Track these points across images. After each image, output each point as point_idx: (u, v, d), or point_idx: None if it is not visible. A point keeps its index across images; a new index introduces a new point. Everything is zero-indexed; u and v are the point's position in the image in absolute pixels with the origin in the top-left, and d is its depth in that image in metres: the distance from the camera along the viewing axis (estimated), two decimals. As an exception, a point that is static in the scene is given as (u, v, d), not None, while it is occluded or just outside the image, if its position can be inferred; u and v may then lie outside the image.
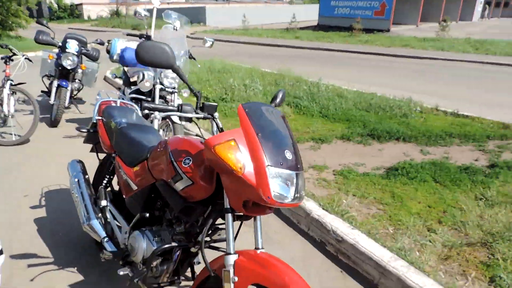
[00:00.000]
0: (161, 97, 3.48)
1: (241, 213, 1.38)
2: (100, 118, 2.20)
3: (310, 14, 31.72)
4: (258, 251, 1.38)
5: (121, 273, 1.73)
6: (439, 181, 3.27)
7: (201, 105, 1.46)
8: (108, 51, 4.31)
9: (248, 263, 1.30)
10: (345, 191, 3.02)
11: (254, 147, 1.25)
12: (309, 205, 2.65)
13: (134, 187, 1.79)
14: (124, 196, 1.90)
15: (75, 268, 2.21)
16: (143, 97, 3.51)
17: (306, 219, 2.61)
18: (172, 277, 1.68)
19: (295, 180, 1.26)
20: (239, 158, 1.24)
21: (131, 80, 3.97)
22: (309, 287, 1.22)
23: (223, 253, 1.39)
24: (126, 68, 4.17)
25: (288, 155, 1.28)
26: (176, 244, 1.57)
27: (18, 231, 2.54)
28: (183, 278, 1.74)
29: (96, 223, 1.98)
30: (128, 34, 4.16)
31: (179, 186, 1.48)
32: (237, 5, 36.23)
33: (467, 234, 2.45)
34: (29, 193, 3.08)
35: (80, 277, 2.13)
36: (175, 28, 3.45)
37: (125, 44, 4.31)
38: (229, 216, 1.35)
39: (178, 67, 1.40)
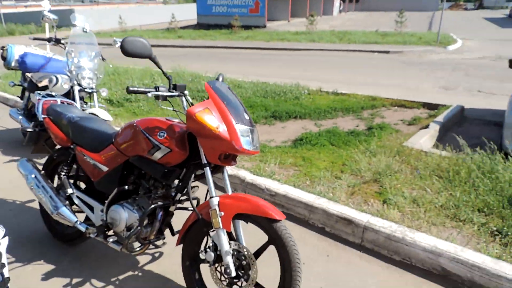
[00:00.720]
0: (80, 97, 3.54)
1: (213, 165, 1.77)
2: (45, 116, 2.31)
3: (186, 13, 32.00)
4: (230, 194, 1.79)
5: (111, 240, 1.96)
6: (334, 144, 4.06)
7: (173, 86, 1.80)
8: (4, 58, 4.09)
9: (229, 200, 1.71)
10: (265, 161, 3.56)
11: (223, 112, 1.66)
12: (242, 173, 3.13)
13: (105, 169, 2.01)
14: (93, 180, 2.10)
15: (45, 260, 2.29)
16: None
17: (242, 185, 3.08)
18: (156, 236, 1.98)
19: (253, 134, 1.71)
20: (214, 121, 1.64)
21: (40, 85, 3.87)
22: (278, 210, 1.68)
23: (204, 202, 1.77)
24: (29, 74, 4.03)
25: (245, 116, 1.72)
26: (161, 204, 1.88)
27: None
28: (163, 237, 2.04)
29: (65, 210, 2.13)
30: (35, 38, 4.01)
31: (157, 155, 1.79)
32: (107, 6, 34.47)
33: (362, 176, 3.21)
34: None
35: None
36: (84, 30, 3.53)
37: (23, 49, 4.15)
38: (207, 169, 1.74)
39: (154, 56, 1.72)
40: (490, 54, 12.41)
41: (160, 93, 1.72)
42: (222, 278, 1.78)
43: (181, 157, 1.78)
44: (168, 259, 2.30)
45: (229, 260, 1.69)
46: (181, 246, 1.90)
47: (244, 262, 1.71)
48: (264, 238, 1.70)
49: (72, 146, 2.20)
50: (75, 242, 2.43)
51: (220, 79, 1.96)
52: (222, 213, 1.68)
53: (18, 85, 4.38)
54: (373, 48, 13.65)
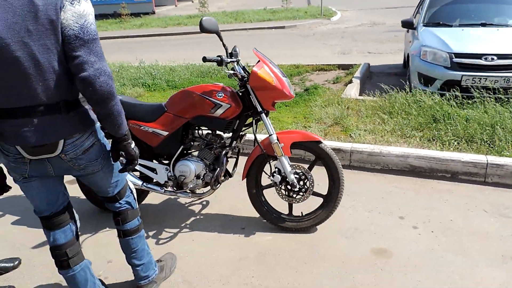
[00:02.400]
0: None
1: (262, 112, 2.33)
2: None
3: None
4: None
5: (180, 193, 2.41)
6: (287, 105, 4.82)
7: (230, 54, 2.29)
8: None
9: (283, 135, 2.32)
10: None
11: (271, 69, 2.24)
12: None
13: (165, 133, 2.41)
14: (152, 145, 2.47)
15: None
16: None
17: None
18: (224, 177, 2.48)
19: (289, 83, 2.33)
20: (270, 76, 2.21)
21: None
22: (318, 135, 2.34)
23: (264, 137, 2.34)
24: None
25: (281, 70, 2.33)
26: (222, 151, 2.39)
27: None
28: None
29: (130, 177, 2.47)
30: None
31: (219, 112, 2.29)
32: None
33: (325, 122, 4.04)
34: None
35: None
36: None
37: None
38: (263, 115, 2.30)
39: (220, 32, 2.19)
40: (365, 22, 14.50)
41: (228, 59, 2.22)
42: (288, 194, 2.39)
43: (237, 110, 2.32)
44: (216, 203, 2.81)
45: (293, 177, 2.32)
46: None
47: (303, 177, 2.35)
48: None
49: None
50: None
51: (238, 49, 2.49)
52: (282, 144, 2.29)
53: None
54: (269, 25, 14.73)
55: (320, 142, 2.33)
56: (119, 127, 1.51)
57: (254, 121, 2.39)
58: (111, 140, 1.60)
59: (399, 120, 3.73)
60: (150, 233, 2.50)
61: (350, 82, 5.62)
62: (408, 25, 5.45)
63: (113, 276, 2.14)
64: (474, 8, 5.20)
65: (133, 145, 1.61)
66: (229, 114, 2.32)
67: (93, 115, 1.55)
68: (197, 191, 2.51)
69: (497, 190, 2.77)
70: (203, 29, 2.10)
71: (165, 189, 2.49)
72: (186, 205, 2.83)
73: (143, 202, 2.75)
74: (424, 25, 5.19)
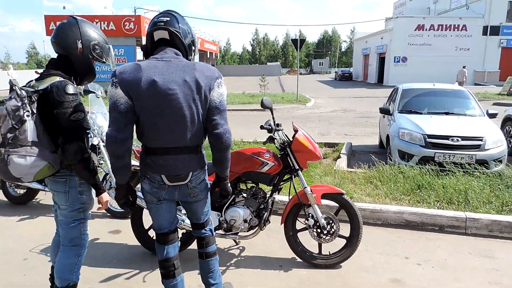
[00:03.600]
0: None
1: (299, 169, 2.99)
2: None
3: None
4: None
5: (230, 235, 2.92)
6: (289, 173, 5.50)
7: (277, 124, 3.00)
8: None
9: (315, 188, 2.96)
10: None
11: (307, 137, 2.97)
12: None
13: (218, 186, 3.00)
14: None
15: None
16: None
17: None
18: (266, 222, 3.02)
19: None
20: (308, 143, 2.93)
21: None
22: (340, 189, 3.01)
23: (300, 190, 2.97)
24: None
25: (313, 138, 3.06)
26: (264, 201, 2.99)
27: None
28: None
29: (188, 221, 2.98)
30: None
31: (265, 168, 2.94)
32: None
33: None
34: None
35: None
36: (97, 95, 4.26)
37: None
38: (299, 172, 2.97)
39: (272, 108, 2.92)
40: (337, 108, 16.18)
41: (279, 128, 2.94)
42: (318, 235, 2.96)
43: (278, 168, 2.98)
44: (252, 247, 3.29)
45: (323, 221, 2.92)
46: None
47: (331, 221, 2.95)
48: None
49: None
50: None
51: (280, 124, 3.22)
52: (315, 195, 2.92)
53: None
54: (250, 107, 16.11)
55: (343, 194, 2.99)
56: (226, 169, 2.13)
57: (292, 176, 3.04)
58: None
59: (390, 186, 4.48)
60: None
61: (339, 157, 6.47)
62: (385, 111, 6.54)
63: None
64: (438, 100, 6.42)
65: (228, 184, 2.21)
66: (272, 171, 2.97)
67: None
68: (242, 234, 3.03)
69: (476, 238, 3.47)
70: (263, 105, 2.84)
71: (216, 232, 2.99)
72: (226, 249, 3.29)
73: (189, 247, 3.20)
74: (399, 112, 6.29)
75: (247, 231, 3.03)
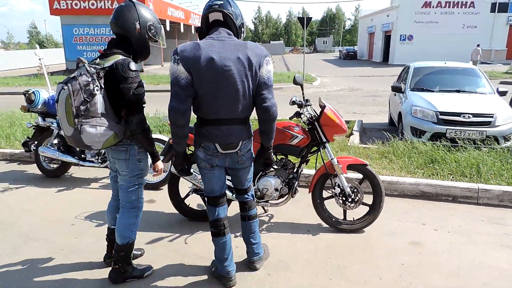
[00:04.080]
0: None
1: (326, 142, 3.21)
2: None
3: (52, 58, 30.15)
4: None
5: (262, 202, 3.17)
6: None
7: (306, 99, 3.20)
8: (31, 101, 4.54)
9: (341, 159, 3.19)
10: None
11: (335, 112, 3.18)
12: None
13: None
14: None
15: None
16: None
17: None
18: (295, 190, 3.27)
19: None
20: (335, 117, 3.14)
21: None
22: (364, 160, 3.24)
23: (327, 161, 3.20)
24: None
25: (339, 113, 3.27)
26: (294, 171, 3.22)
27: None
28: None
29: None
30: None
31: (295, 141, 3.17)
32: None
33: (343, 162, 4.95)
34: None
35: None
36: None
37: (48, 93, 4.69)
38: (326, 144, 3.19)
39: (303, 85, 3.12)
40: (344, 87, 16.27)
41: (308, 103, 3.15)
42: (344, 203, 3.21)
43: (307, 141, 3.21)
44: (281, 215, 3.55)
45: (349, 190, 3.16)
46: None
47: (356, 190, 3.20)
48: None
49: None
50: (202, 219, 3.43)
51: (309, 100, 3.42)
52: (341, 165, 3.16)
53: (35, 126, 4.79)
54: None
55: (367, 165, 3.23)
56: (271, 140, 2.37)
57: (320, 148, 3.27)
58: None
59: (404, 160, 4.72)
60: (238, 234, 3.19)
61: (351, 134, 6.68)
62: (397, 89, 6.71)
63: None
64: (449, 78, 6.57)
65: (272, 153, 2.45)
66: (301, 143, 3.20)
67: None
68: (273, 202, 3.29)
69: (488, 208, 3.72)
70: (295, 82, 3.04)
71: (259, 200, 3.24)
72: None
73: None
74: (411, 90, 6.46)
75: (278, 199, 3.29)
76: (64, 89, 2.12)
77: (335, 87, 16.25)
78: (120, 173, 2.41)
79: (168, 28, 27.23)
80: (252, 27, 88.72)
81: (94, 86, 2.13)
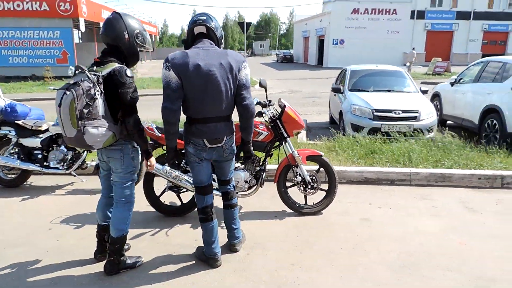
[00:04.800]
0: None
1: (287, 137, 3.68)
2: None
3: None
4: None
5: (243, 192, 3.54)
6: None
7: (269, 100, 3.63)
8: (-14, 110, 4.47)
9: (301, 151, 3.68)
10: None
11: (293, 111, 3.66)
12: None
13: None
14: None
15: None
16: None
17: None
18: (262, 182, 3.67)
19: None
20: (294, 115, 3.62)
21: (41, 129, 4.53)
22: (320, 152, 3.75)
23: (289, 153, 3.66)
24: (19, 122, 4.56)
25: (297, 111, 3.77)
26: (264, 165, 3.65)
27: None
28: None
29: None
30: (54, 89, 4.59)
31: (260, 137, 3.60)
32: None
33: (296, 157, 5.49)
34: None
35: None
36: None
37: (4, 101, 4.63)
38: (288, 139, 3.66)
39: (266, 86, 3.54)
40: (284, 90, 17.10)
41: (271, 103, 3.58)
42: (304, 189, 3.70)
43: (271, 137, 3.66)
44: (249, 205, 3.94)
45: (308, 178, 3.66)
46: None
47: (313, 178, 3.70)
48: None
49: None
50: (177, 214, 3.73)
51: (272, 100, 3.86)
52: (301, 157, 3.65)
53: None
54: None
55: (322, 155, 3.75)
56: (250, 134, 2.78)
57: (282, 143, 3.72)
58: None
59: (349, 153, 5.37)
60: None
61: (299, 132, 7.28)
62: (337, 90, 7.46)
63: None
64: (380, 80, 7.46)
65: (251, 146, 2.85)
66: (266, 139, 3.64)
67: None
68: (243, 193, 3.67)
69: (419, 187, 4.46)
70: (261, 85, 3.47)
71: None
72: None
73: (196, 207, 3.78)
74: (349, 90, 7.22)
75: (247, 190, 3.69)
76: (67, 94, 2.32)
77: (276, 90, 17.00)
78: (115, 171, 2.66)
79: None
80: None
81: (95, 91, 2.37)
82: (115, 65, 2.49)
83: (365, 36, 31.95)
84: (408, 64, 24.15)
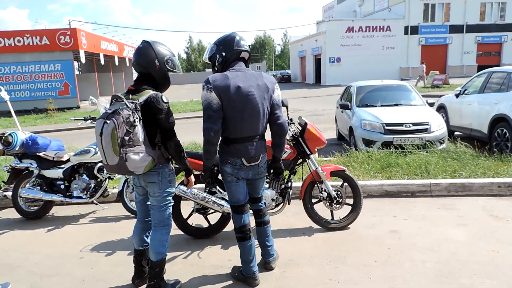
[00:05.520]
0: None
1: (310, 154, 3.74)
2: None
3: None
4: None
5: (270, 210, 3.58)
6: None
7: (291, 118, 3.72)
8: (8, 143, 4.55)
9: (325, 167, 3.74)
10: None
11: (315, 128, 3.75)
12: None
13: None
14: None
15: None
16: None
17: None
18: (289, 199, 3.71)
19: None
20: (316, 131, 3.70)
21: (63, 159, 4.61)
22: (343, 167, 3.82)
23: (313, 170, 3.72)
24: (43, 153, 4.64)
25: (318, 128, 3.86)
26: (290, 182, 3.70)
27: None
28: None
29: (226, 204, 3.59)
30: (75, 119, 4.74)
31: (284, 156, 3.66)
32: None
33: (313, 174, 5.55)
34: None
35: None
36: (106, 109, 4.69)
37: (25, 134, 4.72)
38: (311, 156, 3.73)
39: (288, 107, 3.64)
40: (287, 109, 17.25)
41: (292, 122, 3.67)
42: (330, 204, 3.74)
43: (294, 154, 3.73)
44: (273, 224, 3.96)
45: (334, 193, 3.71)
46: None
47: (339, 193, 3.75)
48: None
49: (215, 169, 3.67)
50: (205, 236, 3.76)
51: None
52: (325, 173, 3.70)
53: (12, 169, 4.75)
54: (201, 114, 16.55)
55: (345, 170, 3.81)
56: (282, 151, 2.88)
57: (305, 160, 3.78)
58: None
59: (365, 167, 5.42)
60: (233, 246, 3.55)
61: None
62: (345, 107, 7.57)
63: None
64: (387, 94, 7.60)
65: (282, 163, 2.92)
66: (289, 157, 3.71)
67: None
68: (270, 211, 3.71)
69: (440, 198, 4.50)
70: (283, 104, 3.55)
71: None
72: (253, 227, 3.95)
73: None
74: (357, 106, 7.34)
75: (274, 208, 3.73)
76: (107, 123, 2.40)
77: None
78: (152, 195, 2.71)
79: (102, 62, 26.80)
80: (184, 56, 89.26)
81: (134, 118, 2.45)
82: (150, 92, 2.59)
83: (361, 53, 32.52)
84: (418, 77, 24.69)
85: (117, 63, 30.44)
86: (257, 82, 2.66)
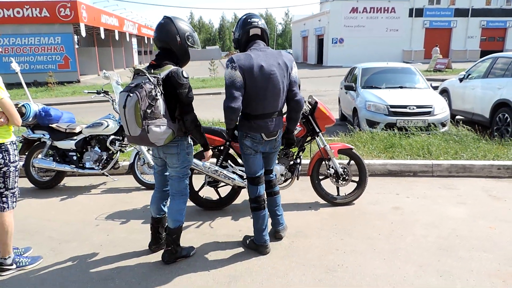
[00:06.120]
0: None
1: (319, 132, 3.86)
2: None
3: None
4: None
5: (279, 185, 3.72)
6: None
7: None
8: (22, 114, 4.63)
9: (333, 145, 3.87)
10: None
11: (325, 107, 3.85)
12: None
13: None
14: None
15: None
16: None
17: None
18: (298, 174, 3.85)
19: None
20: (326, 111, 3.80)
21: (75, 131, 4.71)
22: (350, 145, 3.94)
23: (321, 147, 3.84)
24: (56, 125, 4.74)
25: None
26: (299, 159, 3.83)
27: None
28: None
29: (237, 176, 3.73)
30: (89, 92, 4.83)
31: (295, 133, 3.77)
32: None
33: (317, 152, 5.69)
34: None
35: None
36: (118, 82, 4.77)
37: (37, 106, 4.80)
38: (320, 134, 3.84)
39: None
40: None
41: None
42: (337, 181, 3.88)
43: (304, 132, 3.85)
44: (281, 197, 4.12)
45: (341, 170, 3.85)
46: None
47: (346, 170, 3.89)
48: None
49: (227, 144, 3.79)
50: (215, 208, 3.92)
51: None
52: (333, 151, 3.83)
53: (25, 139, 4.86)
54: (204, 92, 16.61)
55: (352, 148, 3.94)
56: (296, 124, 3.01)
57: (315, 137, 3.90)
58: None
59: (368, 147, 5.56)
60: (243, 217, 3.71)
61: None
62: (350, 88, 7.64)
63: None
64: (392, 77, 7.66)
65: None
66: (299, 134, 3.83)
67: None
68: (280, 185, 3.85)
69: (441, 178, 4.66)
70: (295, 83, 3.66)
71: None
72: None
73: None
74: (362, 88, 7.42)
75: (283, 183, 3.87)
76: (131, 96, 2.49)
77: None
78: (171, 166, 2.83)
79: (102, 36, 26.48)
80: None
81: (156, 92, 2.54)
82: (171, 67, 2.67)
83: (364, 35, 32.19)
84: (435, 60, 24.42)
85: (117, 37, 30.06)
86: (278, 61, 2.75)
